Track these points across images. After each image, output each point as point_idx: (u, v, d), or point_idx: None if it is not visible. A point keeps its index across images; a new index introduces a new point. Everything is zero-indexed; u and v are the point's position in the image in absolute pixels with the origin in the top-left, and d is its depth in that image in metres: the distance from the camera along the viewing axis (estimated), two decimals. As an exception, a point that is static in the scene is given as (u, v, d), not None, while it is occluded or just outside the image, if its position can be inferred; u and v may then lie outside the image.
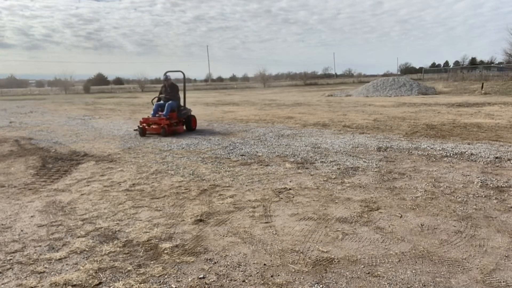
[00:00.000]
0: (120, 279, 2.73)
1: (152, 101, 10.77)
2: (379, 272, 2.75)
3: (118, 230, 3.63)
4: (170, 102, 9.87)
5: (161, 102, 10.11)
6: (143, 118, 9.88)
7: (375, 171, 5.57)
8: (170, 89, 10.09)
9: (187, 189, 4.95)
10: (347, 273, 2.75)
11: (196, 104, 22.46)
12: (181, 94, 10.63)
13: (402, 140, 8.03)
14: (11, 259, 3.10)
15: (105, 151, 7.77)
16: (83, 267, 2.93)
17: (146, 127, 9.69)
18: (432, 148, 7.11)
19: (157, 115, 9.84)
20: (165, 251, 3.16)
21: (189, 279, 2.71)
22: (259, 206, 4.21)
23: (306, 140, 8.35)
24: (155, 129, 9.64)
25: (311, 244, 3.24)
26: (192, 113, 10.90)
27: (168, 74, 10.30)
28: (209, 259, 3.00)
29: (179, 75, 11.16)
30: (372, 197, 4.44)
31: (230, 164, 6.27)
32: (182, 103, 10.51)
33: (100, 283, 2.69)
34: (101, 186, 5.21)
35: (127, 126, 12.03)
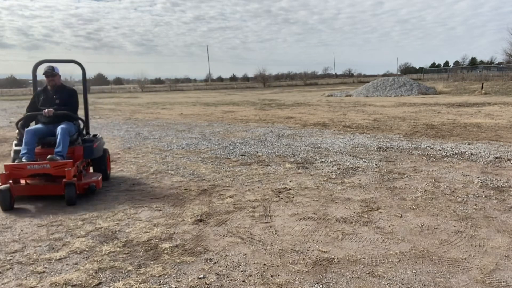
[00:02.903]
0: (120, 279, 2.73)
1: (17, 124, 5.00)
2: (379, 272, 2.75)
3: (118, 230, 3.63)
4: (63, 125, 4.78)
5: (39, 126, 4.91)
6: (7, 167, 4.38)
7: (375, 171, 5.57)
8: (60, 97, 5.04)
9: (187, 189, 4.95)
10: (347, 273, 2.75)
11: (196, 104, 22.46)
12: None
13: (402, 140, 8.03)
14: (11, 259, 3.10)
15: (105, 151, 7.77)
16: (83, 267, 2.92)
17: (19, 185, 4.49)
18: (432, 148, 7.10)
19: (38, 159, 4.56)
20: (165, 251, 3.16)
21: (189, 279, 2.70)
22: (259, 206, 4.21)
23: (306, 140, 8.35)
24: (46, 188, 4.58)
25: (311, 244, 3.24)
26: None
27: (53, 66, 5.12)
28: (209, 259, 3.00)
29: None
30: (372, 197, 4.44)
31: (230, 164, 6.27)
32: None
33: (100, 283, 2.69)
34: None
35: (127, 126, 12.02)
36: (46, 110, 4.82)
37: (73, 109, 5.12)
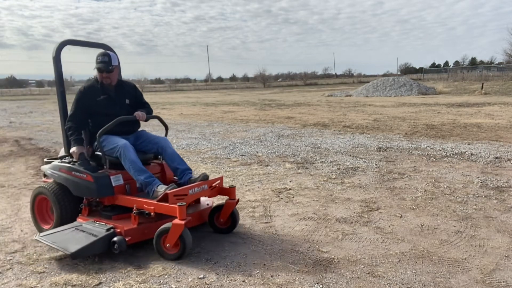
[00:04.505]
0: (120, 279, 2.73)
1: (100, 135, 3.36)
2: (379, 272, 2.74)
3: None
4: (155, 134, 3.82)
5: (122, 138, 3.46)
6: (172, 194, 3.04)
7: (375, 171, 5.57)
8: (127, 96, 3.75)
9: (187, 189, 4.94)
10: (347, 273, 2.75)
11: (196, 104, 22.45)
12: None
13: (402, 140, 8.03)
14: (11, 259, 3.10)
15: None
16: (83, 267, 2.92)
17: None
18: (432, 148, 7.10)
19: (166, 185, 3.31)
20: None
21: (189, 279, 2.70)
22: (259, 206, 4.21)
23: (306, 140, 8.35)
24: (199, 217, 3.56)
25: (311, 244, 3.24)
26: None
27: (109, 54, 3.52)
28: (209, 259, 3.00)
29: None
30: (372, 197, 4.44)
31: (230, 164, 6.27)
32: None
33: (100, 283, 2.69)
34: (101, 186, 5.19)
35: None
36: (140, 114, 3.58)
37: (151, 110, 3.86)
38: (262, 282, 2.66)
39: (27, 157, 7.35)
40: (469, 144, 7.42)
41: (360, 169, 5.74)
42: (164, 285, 2.64)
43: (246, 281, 2.68)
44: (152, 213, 3.07)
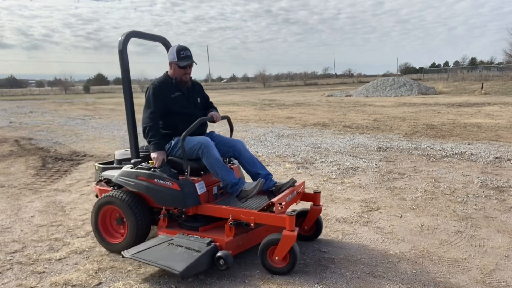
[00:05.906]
0: (120, 279, 2.73)
1: (184, 138, 3.03)
2: (379, 272, 2.75)
3: (118, 230, 3.62)
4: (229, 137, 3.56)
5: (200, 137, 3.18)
6: (278, 202, 2.82)
7: (375, 171, 5.57)
8: (199, 95, 3.50)
9: (187, 189, 4.93)
10: (347, 273, 2.75)
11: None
12: None
13: (402, 140, 8.03)
14: (11, 259, 3.10)
15: (105, 151, 7.77)
16: (83, 267, 2.93)
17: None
18: (432, 148, 7.11)
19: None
20: (165, 251, 3.15)
21: (189, 279, 2.70)
22: (259, 206, 4.20)
23: (306, 140, 8.35)
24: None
25: (311, 244, 3.24)
26: None
27: (189, 50, 3.34)
28: (209, 259, 3.00)
29: None
30: (372, 197, 4.44)
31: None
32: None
33: (100, 283, 2.69)
34: (101, 186, 5.19)
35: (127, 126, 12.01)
36: (217, 114, 3.36)
37: (217, 111, 3.53)
38: (262, 282, 2.66)
39: (27, 157, 7.34)
40: (469, 144, 7.42)
41: (360, 169, 5.74)
42: (164, 285, 2.64)
43: (246, 281, 2.68)
44: (252, 224, 2.81)
